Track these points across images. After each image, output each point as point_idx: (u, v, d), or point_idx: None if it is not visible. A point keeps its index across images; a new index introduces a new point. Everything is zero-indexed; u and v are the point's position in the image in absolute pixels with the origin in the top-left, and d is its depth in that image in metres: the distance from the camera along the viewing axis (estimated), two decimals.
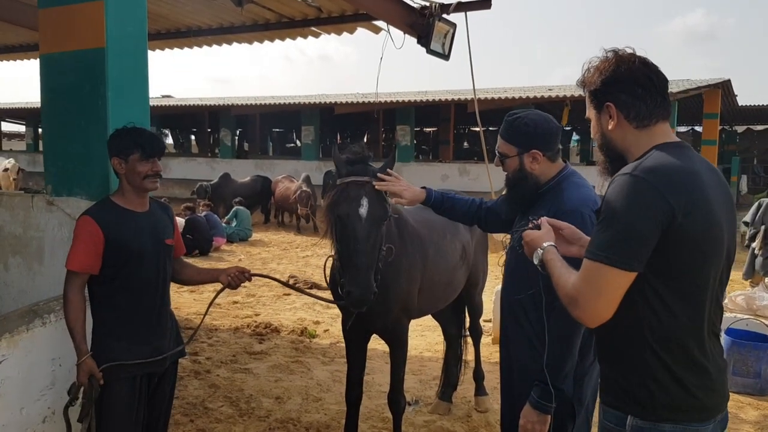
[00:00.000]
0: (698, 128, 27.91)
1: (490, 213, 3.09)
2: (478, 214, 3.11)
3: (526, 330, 2.61)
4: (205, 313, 3.31)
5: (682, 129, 31.19)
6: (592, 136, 2.07)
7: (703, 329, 1.84)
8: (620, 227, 1.75)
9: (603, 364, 2.01)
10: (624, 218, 1.75)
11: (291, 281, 9.35)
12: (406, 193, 3.04)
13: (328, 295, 3.66)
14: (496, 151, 2.75)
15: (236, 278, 3.07)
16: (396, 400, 3.79)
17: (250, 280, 3.12)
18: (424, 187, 3.14)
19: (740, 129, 31.50)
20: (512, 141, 2.67)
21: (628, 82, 1.92)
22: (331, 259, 3.36)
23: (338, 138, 34.08)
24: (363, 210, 2.94)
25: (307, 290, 9.43)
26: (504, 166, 2.73)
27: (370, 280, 2.98)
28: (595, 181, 2.73)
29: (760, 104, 24.26)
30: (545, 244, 2.09)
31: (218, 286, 3.12)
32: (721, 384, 1.88)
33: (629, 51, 1.97)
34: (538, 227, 2.21)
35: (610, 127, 1.97)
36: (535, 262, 2.12)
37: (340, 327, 3.89)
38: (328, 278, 3.58)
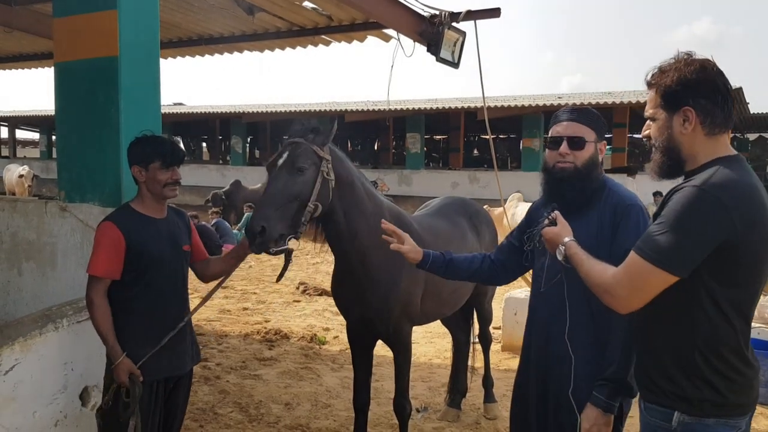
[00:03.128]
0: None
1: (498, 263, 2.80)
2: (486, 268, 2.82)
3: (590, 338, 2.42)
4: (213, 292, 3.27)
5: None
6: (652, 135, 1.99)
7: (748, 336, 1.94)
8: (680, 235, 1.81)
9: (652, 364, 2.01)
10: (685, 227, 1.81)
11: (301, 288, 9.44)
12: (410, 254, 2.81)
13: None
14: (564, 137, 2.48)
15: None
16: (401, 405, 3.78)
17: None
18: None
19: (752, 137, 31.28)
20: (591, 126, 2.50)
21: (709, 88, 1.89)
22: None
23: (348, 145, 34.12)
24: (280, 160, 3.09)
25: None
26: (577, 152, 2.45)
27: (266, 216, 2.91)
28: None
29: None
30: (566, 239, 2.15)
31: (228, 284, 3.15)
32: (757, 382, 2.02)
33: (702, 57, 1.93)
34: (554, 223, 2.24)
35: (682, 131, 1.93)
36: (559, 257, 2.15)
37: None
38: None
